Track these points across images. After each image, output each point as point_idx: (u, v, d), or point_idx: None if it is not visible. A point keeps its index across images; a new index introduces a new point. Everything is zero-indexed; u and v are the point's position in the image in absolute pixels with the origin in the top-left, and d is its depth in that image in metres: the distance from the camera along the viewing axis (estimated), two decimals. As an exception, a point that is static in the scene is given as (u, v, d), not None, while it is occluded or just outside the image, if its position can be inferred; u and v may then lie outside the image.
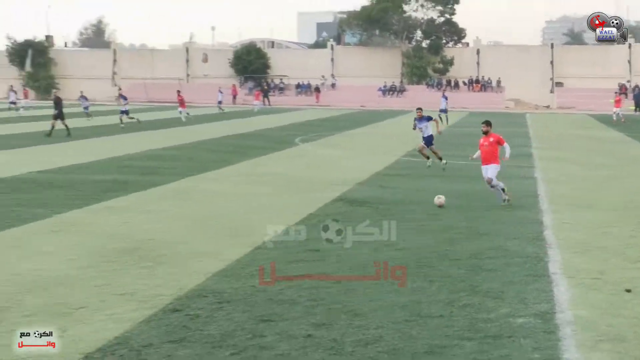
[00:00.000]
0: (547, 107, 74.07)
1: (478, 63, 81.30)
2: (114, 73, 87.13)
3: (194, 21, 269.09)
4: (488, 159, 15.92)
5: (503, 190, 15.79)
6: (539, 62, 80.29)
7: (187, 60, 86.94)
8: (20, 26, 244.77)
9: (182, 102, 46.57)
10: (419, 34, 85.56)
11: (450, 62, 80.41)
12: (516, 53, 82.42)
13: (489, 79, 78.83)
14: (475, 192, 17.95)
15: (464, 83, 78.92)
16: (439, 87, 76.13)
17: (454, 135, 37.89)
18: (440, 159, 22.66)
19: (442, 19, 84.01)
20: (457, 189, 18.42)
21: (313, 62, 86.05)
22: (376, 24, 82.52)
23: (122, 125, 41.02)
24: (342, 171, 21.18)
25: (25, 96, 56.67)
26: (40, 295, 9.03)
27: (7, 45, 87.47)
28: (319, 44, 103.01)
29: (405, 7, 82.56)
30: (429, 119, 23.36)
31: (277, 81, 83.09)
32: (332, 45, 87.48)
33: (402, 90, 78.67)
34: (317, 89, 79.08)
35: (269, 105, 72.49)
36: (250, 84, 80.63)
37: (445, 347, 7.38)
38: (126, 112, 42.88)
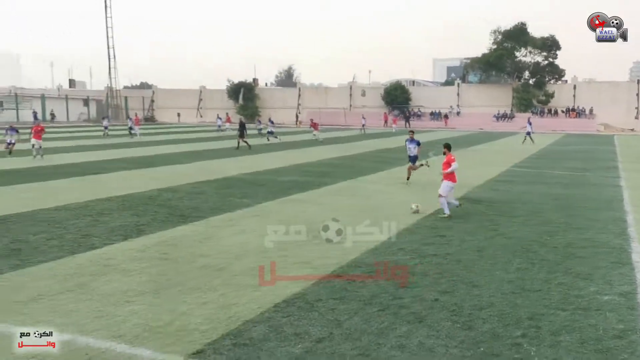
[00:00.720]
0: (632, 130, 68.18)
1: (574, 96, 76.28)
2: (299, 104, 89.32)
3: (355, 66, 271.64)
4: (445, 176, 13.57)
5: (459, 205, 13.88)
6: (626, 95, 74.13)
7: (350, 95, 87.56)
8: (236, 72, 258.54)
9: (315, 126, 45.51)
10: (526, 73, 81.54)
11: (551, 96, 76.10)
12: (607, 87, 76.44)
13: (583, 108, 73.83)
14: (571, 195, 16.89)
15: (562, 111, 74.36)
16: (542, 114, 72.68)
17: (554, 151, 35.85)
18: (408, 178, 19.26)
19: (546, 62, 79.59)
20: (556, 193, 17.39)
21: (443, 95, 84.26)
22: (493, 67, 79.72)
23: (269, 142, 39.86)
24: (464, 177, 20.45)
25: (228, 121, 58.65)
26: (244, 260, 9.41)
27: (226, 86, 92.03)
28: (448, 82, 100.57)
29: (517, 54, 79.03)
30: (418, 143, 19.66)
31: (415, 110, 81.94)
32: (458, 83, 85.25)
33: (511, 117, 75.09)
34: (446, 116, 77.23)
35: (409, 127, 71.71)
36: (395, 112, 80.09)
37: (544, 315, 6.99)
38: (271, 133, 41.83)
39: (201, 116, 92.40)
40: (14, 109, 76.37)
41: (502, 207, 14.68)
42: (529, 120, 45.46)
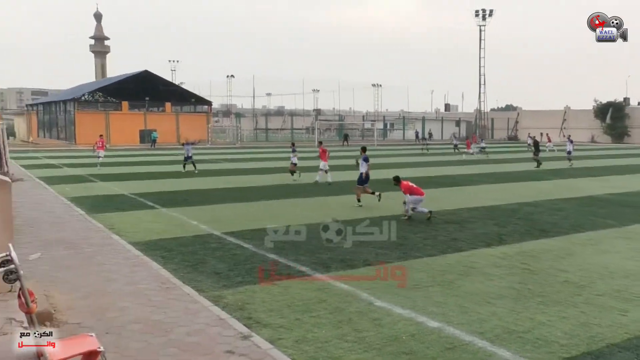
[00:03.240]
0: None
1: None
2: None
3: None
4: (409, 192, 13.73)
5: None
6: None
7: None
8: (604, 92, 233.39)
9: (468, 145, 41.02)
10: None
11: None
12: None
13: None
14: None
15: None
16: None
17: None
18: (359, 200, 15.79)
19: None
20: None
21: None
22: None
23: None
24: None
25: (549, 141, 51.22)
26: (609, 281, 8.32)
27: (593, 106, 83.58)
28: None
29: None
30: (366, 159, 16.14)
31: None
32: None
33: None
34: None
35: None
36: None
37: None
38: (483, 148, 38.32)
39: (564, 136, 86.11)
40: (401, 130, 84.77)
41: None
42: None
